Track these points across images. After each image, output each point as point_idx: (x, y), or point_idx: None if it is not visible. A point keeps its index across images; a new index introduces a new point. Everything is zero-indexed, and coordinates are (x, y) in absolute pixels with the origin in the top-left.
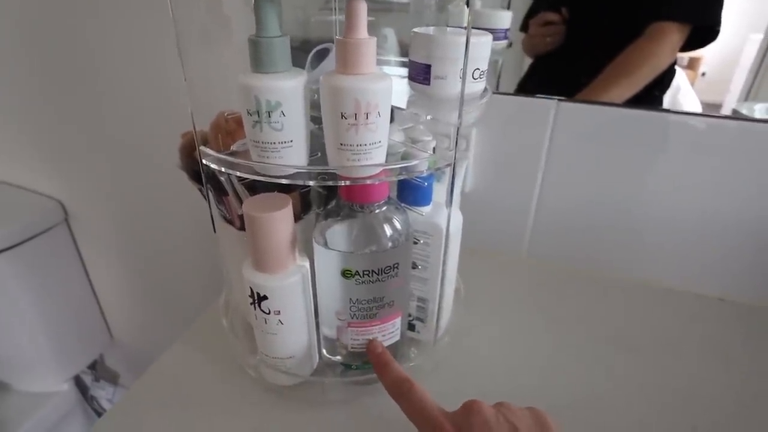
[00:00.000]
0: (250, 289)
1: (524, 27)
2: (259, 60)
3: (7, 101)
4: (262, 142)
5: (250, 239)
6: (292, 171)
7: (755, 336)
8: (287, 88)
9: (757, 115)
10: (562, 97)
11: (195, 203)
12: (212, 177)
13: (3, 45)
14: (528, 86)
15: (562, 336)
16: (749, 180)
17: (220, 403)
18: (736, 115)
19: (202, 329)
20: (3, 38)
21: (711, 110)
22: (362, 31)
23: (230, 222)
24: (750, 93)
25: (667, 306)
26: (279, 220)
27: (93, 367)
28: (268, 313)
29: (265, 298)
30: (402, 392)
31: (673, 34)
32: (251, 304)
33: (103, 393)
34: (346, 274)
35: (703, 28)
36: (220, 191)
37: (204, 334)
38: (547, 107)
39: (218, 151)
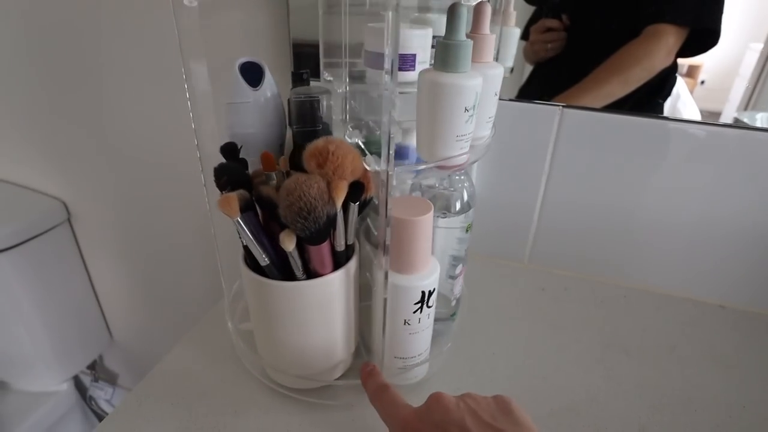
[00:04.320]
0: (421, 293)
1: (525, 35)
2: (464, 61)
3: (13, 102)
4: (468, 134)
5: (408, 244)
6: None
7: (755, 343)
8: (481, 85)
9: (759, 124)
10: (566, 104)
11: (197, 206)
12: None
13: (9, 46)
14: (528, 93)
15: (563, 341)
16: (749, 187)
17: (225, 405)
18: (737, 124)
19: (205, 330)
20: (9, 39)
21: (710, 118)
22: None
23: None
24: (750, 102)
25: (668, 312)
26: (430, 220)
27: (92, 367)
28: (430, 307)
29: (431, 294)
30: (377, 397)
31: (669, 36)
32: (417, 304)
33: (101, 393)
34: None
35: (701, 33)
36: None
37: (207, 335)
38: (552, 114)
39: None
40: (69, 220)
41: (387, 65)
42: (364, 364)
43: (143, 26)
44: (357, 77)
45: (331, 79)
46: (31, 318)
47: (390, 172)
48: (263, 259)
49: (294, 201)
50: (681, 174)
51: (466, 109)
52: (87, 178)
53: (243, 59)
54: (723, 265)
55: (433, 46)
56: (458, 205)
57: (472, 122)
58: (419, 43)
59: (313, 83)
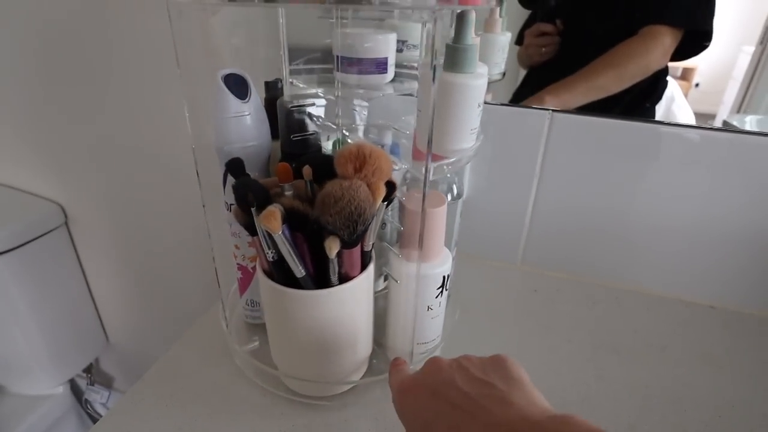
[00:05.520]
0: (442, 278)
1: (519, 39)
2: (474, 62)
3: (10, 104)
4: (477, 127)
5: (429, 233)
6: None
7: (745, 343)
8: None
9: (748, 127)
10: (556, 108)
11: (193, 210)
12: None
13: (7, 47)
14: (522, 96)
15: (555, 341)
16: (739, 190)
17: (219, 406)
18: (727, 127)
19: (200, 333)
20: (7, 40)
21: (705, 121)
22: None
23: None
24: (743, 104)
25: (659, 313)
26: (445, 210)
27: (88, 370)
28: (447, 290)
29: (448, 277)
30: (390, 376)
31: (665, 36)
32: (439, 289)
33: (97, 397)
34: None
35: (695, 35)
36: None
37: (202, 337)
38: (542, 118)
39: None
40: (66, 223)
41: (425, 71)
42: (396, 359)
43: (143, 31)
44: (327, 82)
45: (304, 85)
46: (27, 321)
47: (430, 170)
48: (300, 271)
49: (344, 206)
50: (672, 177)
51: (479, 105)
52: (85, 181)
53: (225, 71)
54: (714, 266)
55: (399, 50)
56: (449, 197)
57: (480, 115)
58: (390, 47)
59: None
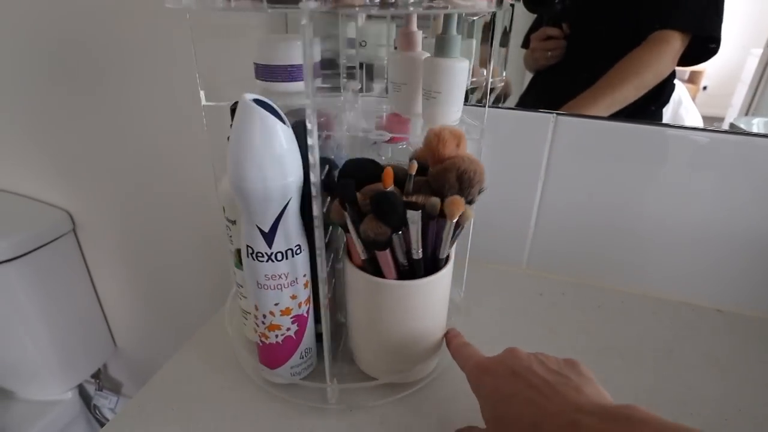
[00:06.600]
0: None
1: (525, 43)
2: (458, 49)
3: (18, 112)
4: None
5: None
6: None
7: (752, 346)
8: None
9: (755, 130)
10: (561, 111)
11: (201, 216)
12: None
13: (16, 57)
14: (528, 101)
15: (560, 345)
16: (747, 192)
17: (225, 410)
18: (733, 130)
19: (206, 337)
20: (16, 50)
21: (713, 124)
22: None
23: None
24: (751, 107)
25: (665, 316)
26: None
27: (96, 376)
28: None
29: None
30: (459, 351)
31: (675, 42)
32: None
33: (105, 402)
34: None
35: (703, 40)
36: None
37: (208, 342)
38: (546, 121)
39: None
40: (74, 230)
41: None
42: (450, 329)
43: (150, 38)
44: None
45: None
46: (36, 327)
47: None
48: (446, 251)
49: (480, 176)
50: (678, 180)
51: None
52: (92, 189)
53: (251, 96)
54: (720, 269)
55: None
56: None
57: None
58: (315, 51)
59: None
